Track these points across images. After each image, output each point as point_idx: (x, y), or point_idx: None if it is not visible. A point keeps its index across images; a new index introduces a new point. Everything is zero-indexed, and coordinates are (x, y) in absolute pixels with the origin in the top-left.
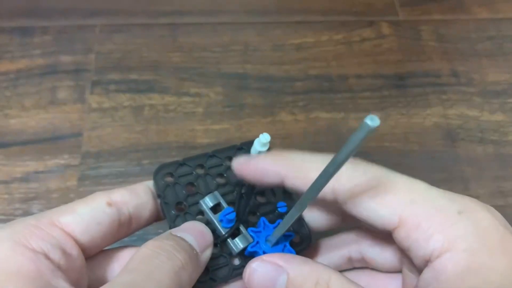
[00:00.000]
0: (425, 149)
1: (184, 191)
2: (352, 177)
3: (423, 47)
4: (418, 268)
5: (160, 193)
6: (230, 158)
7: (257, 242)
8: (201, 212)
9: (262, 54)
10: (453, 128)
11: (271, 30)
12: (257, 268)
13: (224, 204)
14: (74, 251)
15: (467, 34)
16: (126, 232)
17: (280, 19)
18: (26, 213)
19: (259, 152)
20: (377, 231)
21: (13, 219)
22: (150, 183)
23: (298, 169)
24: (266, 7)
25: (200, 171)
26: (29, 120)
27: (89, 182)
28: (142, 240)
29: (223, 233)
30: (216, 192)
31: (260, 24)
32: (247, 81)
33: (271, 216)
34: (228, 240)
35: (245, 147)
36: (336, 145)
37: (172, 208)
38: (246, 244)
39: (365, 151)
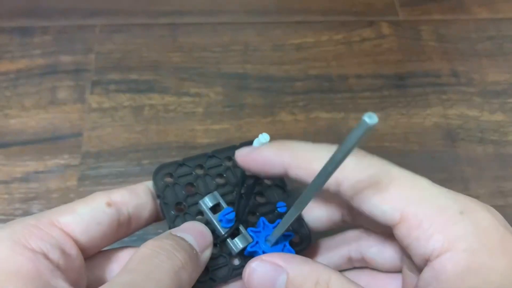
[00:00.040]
0: (425, 149)
1: (183, 192)
2: (356, 170)
3: (423, 47)
4: (418, 267)
5: (159, 194)
6: (229, 159)
7: (257, 242)
8: (201, 213)
9: (262, 54)
10: (453, 128)
11: (271, 30)
12: (256, 268)
13: (223, 204)
14: (74, 251)
15: (467, 34)
16: (125, 232)
17: (280, 19)
18: (26, 213)
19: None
20: (378, 227)
21: (13, 219)
22: (149, 184)
23: (302, 159)
24: (266, 7)
25: (199, 172)
26: (29, 120)
27: (89, 182)
28: (141, 240)
29: (223, 233)
30: (215, 192)
31: (260, 24)
32: (247, 81)
33: (270, 216)
34: (228, 240)
35: None
36: (336, 145)
37: (171, 209)
38: (245, 244)
39: (365, 151)
